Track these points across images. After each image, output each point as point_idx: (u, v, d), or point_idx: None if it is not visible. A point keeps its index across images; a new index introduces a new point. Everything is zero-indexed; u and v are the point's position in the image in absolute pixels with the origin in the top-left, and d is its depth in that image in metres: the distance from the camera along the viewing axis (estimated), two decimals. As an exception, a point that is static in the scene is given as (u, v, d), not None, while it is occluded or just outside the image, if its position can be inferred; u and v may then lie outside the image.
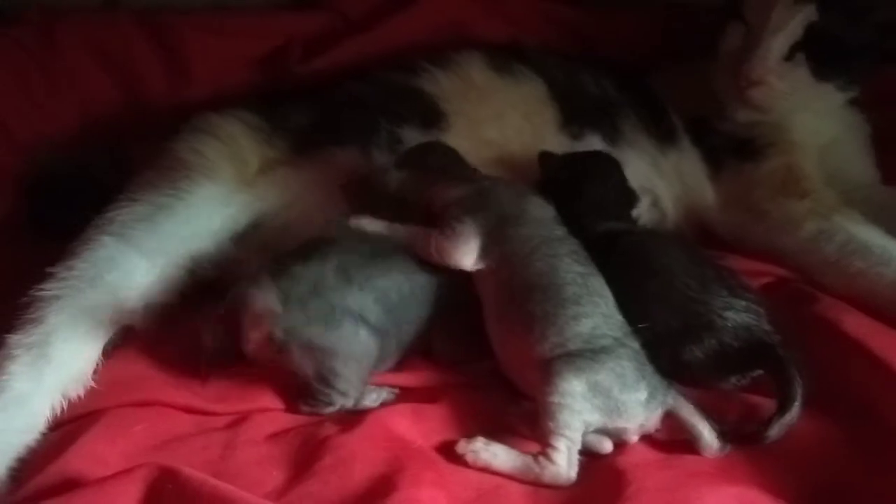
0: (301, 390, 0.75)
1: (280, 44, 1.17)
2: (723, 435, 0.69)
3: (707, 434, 0.69)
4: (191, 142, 0.95)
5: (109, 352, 0.78)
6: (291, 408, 0.75)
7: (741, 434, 0.70)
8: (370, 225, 0.82)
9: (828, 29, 0.95)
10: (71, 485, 0.62)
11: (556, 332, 0.71)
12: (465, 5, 1.20)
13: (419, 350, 0.82)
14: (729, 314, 0.77)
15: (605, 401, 0.68)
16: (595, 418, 0.68)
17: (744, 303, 0.78)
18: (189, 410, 0.74)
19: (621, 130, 1.04)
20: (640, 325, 0.75)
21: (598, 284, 0.76)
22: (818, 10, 0.95)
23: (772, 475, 0.67)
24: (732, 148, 1.03)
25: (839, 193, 0.98)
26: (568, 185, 0.89)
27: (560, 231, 0.80)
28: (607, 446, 0.70)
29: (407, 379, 0.80)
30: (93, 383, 0.75)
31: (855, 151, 1.07)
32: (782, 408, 0.70)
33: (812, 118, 1.04)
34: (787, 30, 0.96)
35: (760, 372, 0.77)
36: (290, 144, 0.99)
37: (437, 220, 0.81)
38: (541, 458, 0.67)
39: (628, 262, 0.82)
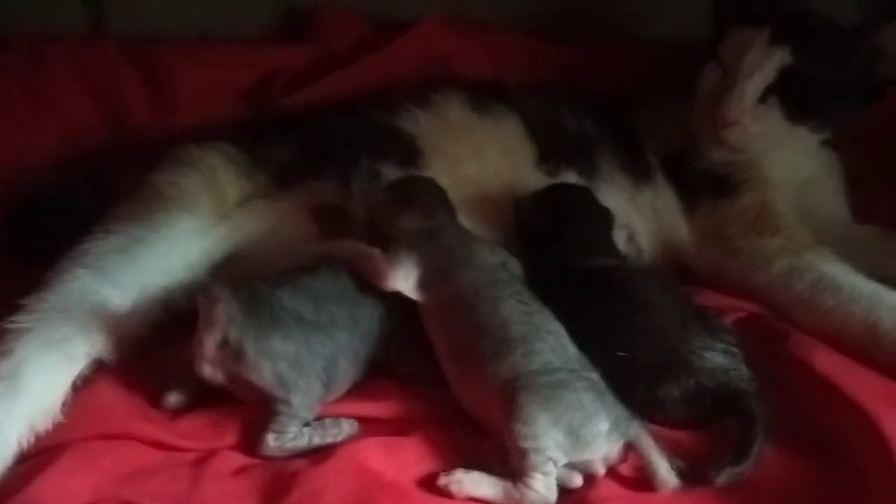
0: (263, 416, 0.74)
1: (265, 75, 1.18)
2: (681, 473, 0.69)
3: (663, 470, 0.69)
4: (170, 174, 0.96)
5: (79, 385, 0.77)
6: (255, 452, 0.74)
7: (695, 473, 0.70)
8: (311, 246, 0.84)
9: (801, 73, 0.97)
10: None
11: (508, 370, 0.72)
12: (449, 42, 1.22)
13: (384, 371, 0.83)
14: (708, 355, 0.77)
15: (568, 436, 0.69)
16: (559, 455, 0.69)
17: (723, 345, 0.79)
18: (158, 445, 0.73)
19: (598, 167, 1.05)
20: (619, 353, 0.76)
21: (545, 320, 0.77)
22: (792, 54, 0.97)
23: (741, 512, 0.67)
24: (707, 184, 1.04)
25: (812, 231, 1.00)
26: (549, 230, 0.90)
27: (505, 275, 0.81)
28: (577, 481, 0.70)
29: (379, 410, 0.79)
30: (61, 416, 0.74)
31: (828, 190, 1.08)
32: (737, 459, 0.70)
33: (786, 157, 1.05)
34: (762, 72, 0.97)
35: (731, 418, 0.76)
36: (270, 177, 0.99)
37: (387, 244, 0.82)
38: (520, 486, 0.68)
39: (613, 296, 0.83)
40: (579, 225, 0.91)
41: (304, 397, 0.74)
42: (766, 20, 0.99)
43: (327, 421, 0.76)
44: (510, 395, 0.70)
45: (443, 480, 0.69)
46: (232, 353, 0.72)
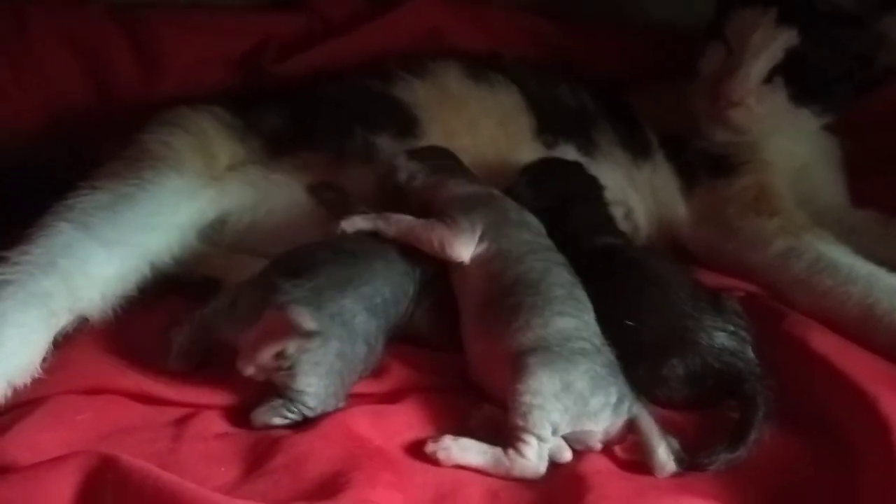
0: (274, 396, 0.71)
1: (256, 43, 1.16)
2: (677, 457, 0.68)
3: (662, 451, 0.67)
4: (160, 133, 0.94)
5: (60, 342, 0.75)
6: (246, 422, 0.71)
7: (688, 458, 0.68)
8: (363, 222, 0.81)
9: (808, 55, 0.97)
10: (3, 471, 0.59)
11: (541, 324, 0.71)
12: (444, 15, 1.20)
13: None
14: (717, 335, 0.76)
15: (576, 402, 0.68)
16: (564, 420, 0.68)
17: (732, 327, 0.78)
18: (140, 397, 0.71)
19: (597, 143, 1.04)
20: (627, 322, 0.75)
21: (582, 296, 0.77)
22: (799, 36, 0.96)
23: (734, 490, 0.66)
24: (706, 164, 1.04)
25: (810, 214, 0.99)
26: (553, 211, 0.88)
27: (552, 245, 0.82)
28: (567, 455, 0.69)
29: (368, 385, 0.77)
30: (41, 372, 0.71)
31: (827, 175, 1.08)
32: (732, 444, 0.69)
33: (787, 140, 1.05)
34: (768, 52, 0.97)
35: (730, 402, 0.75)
36: (263, 144, 0.97)
37: (438, 213, 0.81)
38: (510, 452, 0.66)
39: (627, 271, 0.83)
40: (584, 206, 0.90)
41: (324, 404, 0.71)
42: (772, 0, 0.98)
43: None
44: (531, 352, 0.70)
45: (430, 447, 0.68)
46: (285, 365, 0.69)
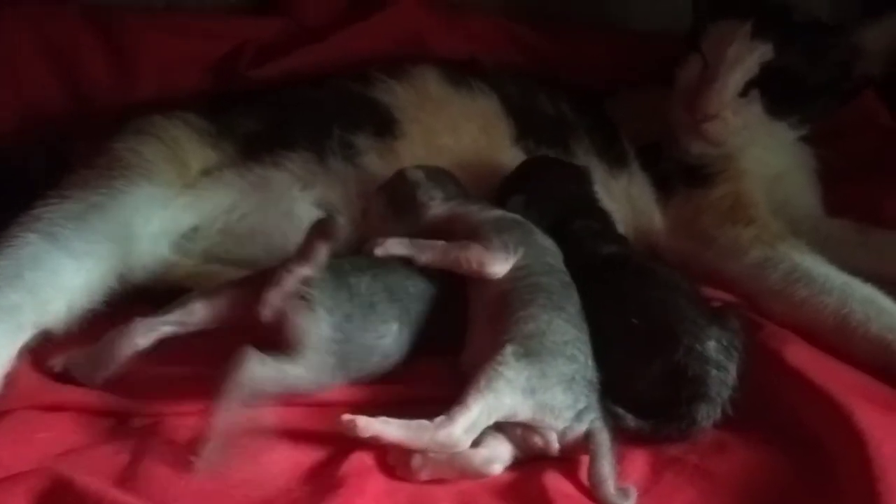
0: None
1: (233, 48, 1.15)
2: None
3: (606, 465, 0.66)
4: (131, 142, 0.92)
5: (24, 356, 0.74)
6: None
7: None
8: (396, 247, 0.80)
9: (783, 68, 0.97)
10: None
11: (546, 321, 0.72)
12: (424, 20, 1.20)
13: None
14: (710, 343, 0.74)
15: (545, 391, 0.68)
16: (527, 404, 0.67)
17: (725, 342, 0.75)
18: (104, 411, 0.70)
19: (574, 151, 1.04)
20: (632, 319, 0.75)
21: (584, 322, 0.77)
22: (774, 50, 0.97)
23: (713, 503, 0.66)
24: (682, 174, 1.04)
25: (785, 224, 0.99)
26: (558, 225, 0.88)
27: (567, 273, 0.82)
28: (496, 468, 0.67)
29: (348, 395, 0.76)
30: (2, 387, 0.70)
31: (802, 184, 1.08)
32: (665, 418, 0.71)
33: (762, 151, 1.05)
34: (743, 66, 0.97)
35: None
36: (238, 148, 0.96)
37: (463, 236, 0.81)
38: (438, 419, 0.65)
39: (634, 276, 0.82)
40: (584, 215, 0.90)
41: (311, 372, 0.71)
42: (747, 13, 0.98)
43: None
44: (524, 340, 0.70)
45: (346, 417, 0.65)
46: (303, 299, 0.70)
